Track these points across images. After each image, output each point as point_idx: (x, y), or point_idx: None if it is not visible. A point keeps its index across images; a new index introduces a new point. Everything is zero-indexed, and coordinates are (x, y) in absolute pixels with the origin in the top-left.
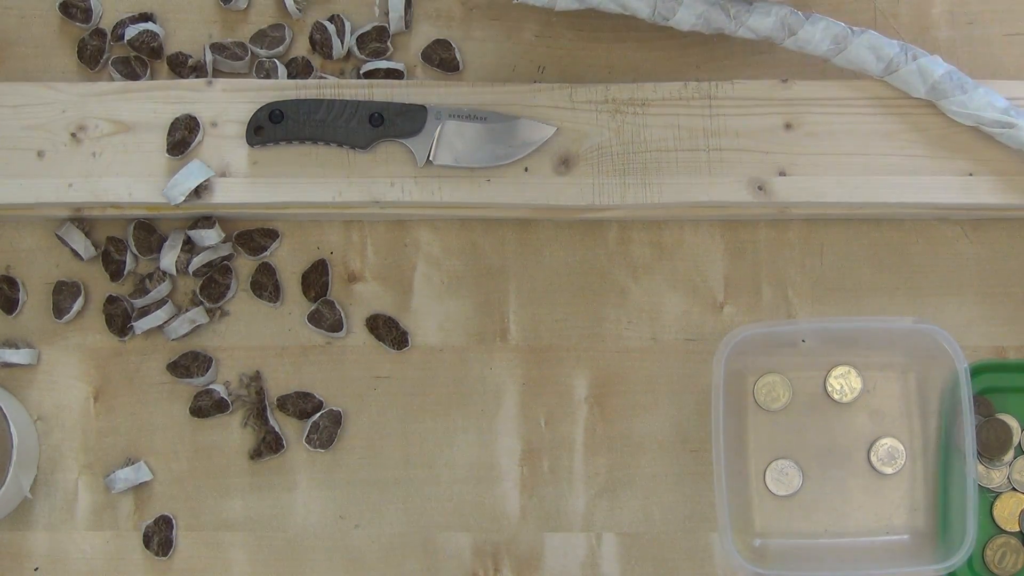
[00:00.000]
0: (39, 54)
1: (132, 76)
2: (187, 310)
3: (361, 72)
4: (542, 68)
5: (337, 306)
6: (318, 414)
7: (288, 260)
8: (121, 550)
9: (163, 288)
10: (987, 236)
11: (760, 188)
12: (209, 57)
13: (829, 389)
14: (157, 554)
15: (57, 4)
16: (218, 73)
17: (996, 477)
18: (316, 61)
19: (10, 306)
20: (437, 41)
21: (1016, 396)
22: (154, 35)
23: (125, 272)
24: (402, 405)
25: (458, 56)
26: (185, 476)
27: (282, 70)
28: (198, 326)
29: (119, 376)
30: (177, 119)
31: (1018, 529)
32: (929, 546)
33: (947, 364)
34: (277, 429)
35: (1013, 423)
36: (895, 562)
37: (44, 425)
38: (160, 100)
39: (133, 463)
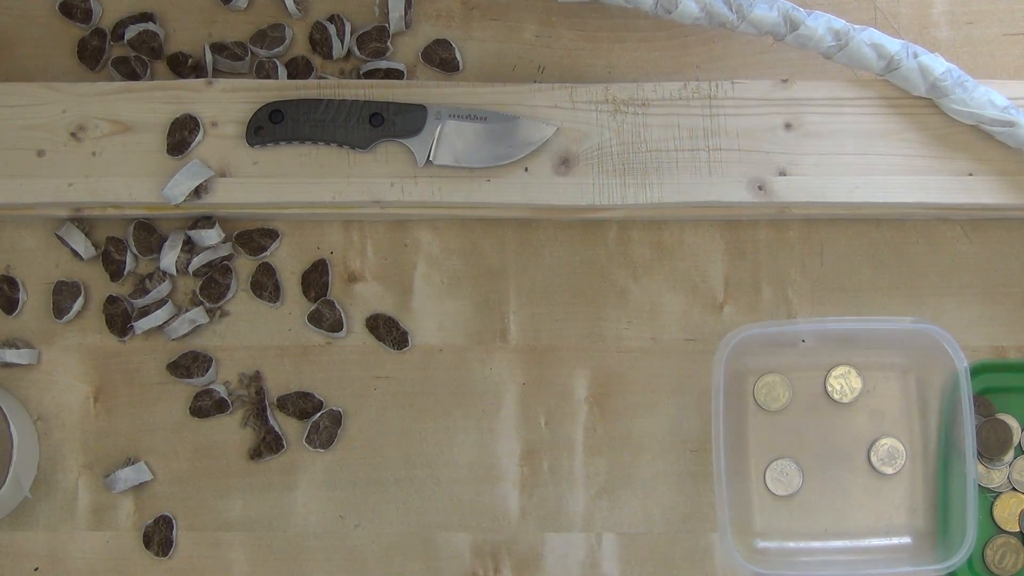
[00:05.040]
0: (39, 54)
1: (132, 76)
2: (187, 310)
3: (361, 72)
4: (542, 68)
5: (337, 306)
6: (318, 414)
7: (288, 260)
8: (121, 550)
9: (163, 288)
10: (987, 236)
11: (760, 188)
12: (209, 57)
13: (829, 389)
14: (157, 554)
15: (57, 4)
16: (218, 73)
17: (996, 477)
18: (316, 61)
19: (10, 306)
20: (437, 41)
21: (1016, 396)
22: (154, 35)
23: (125, 272)
24: (402, 405)
25: (458, 56)
26: (185, 476)
27: (282, 70)
28: (198, 326)
29: (119, 376)
30: (177, 119)
31: (1018, 529)
32: (929, 546)
33: (947, 364)
34: (277, 429)
35: (1013, 423)
36: (895, 562)
37: (44, 425)
38: (160, 100)
39: (133, 463)
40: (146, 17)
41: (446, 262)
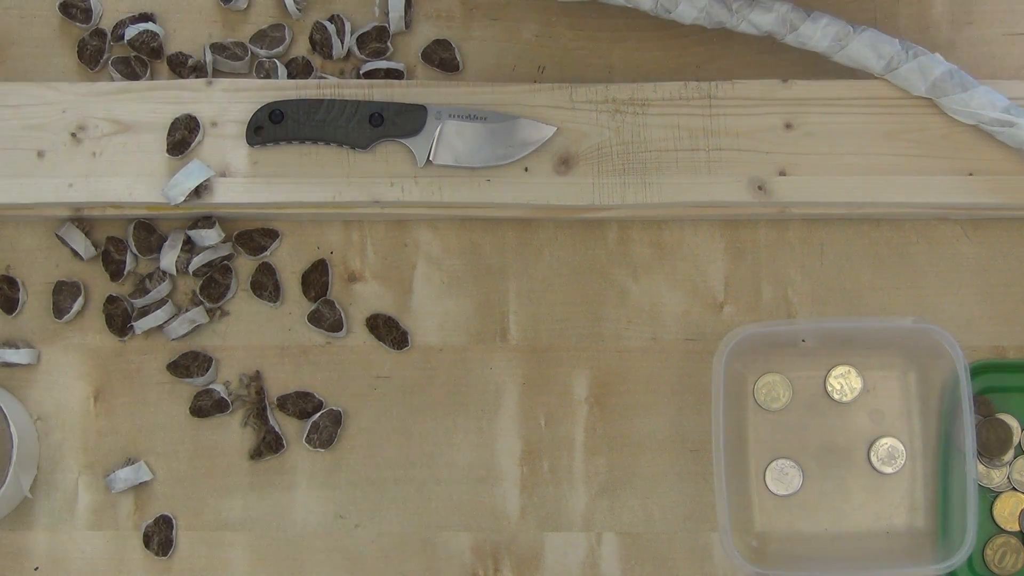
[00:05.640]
0: (39, 54)
1: (132, 76)
2: (187, 310)
3: (361, 72)
4: (542, 68)
5: (337, 306)
6: (318, 414)
7: (288, 260)
8: (121, 550)
9: (163, 288)
10: (987, 236)
11: (760, 188)
12: (209, 57)
13: (829, 389)
14: (157, 554)
15: (57, 4)
16: (218, 73)
17: (996, 477)
18: (316, 61)
19: (10, 306)
20: (437, 41)
21: (1016, 396)
22: (154, 35)
23: (125, 272)
24: (402, 405)
25: (458, 56)
26: (185, 476)
27: (282, 70)
28: (198, 326)
29: (119, 376)
30: (177, 119)
31: (1018, 529)
32: (929, 546)
33: (947, 364)
34: (277, 429)
35: (1013, 423)
36: (895, 562)
37: (44, 425)
38: (160, 100)
39: (133, 463)
40: (146, 17)
41: (446, 262)
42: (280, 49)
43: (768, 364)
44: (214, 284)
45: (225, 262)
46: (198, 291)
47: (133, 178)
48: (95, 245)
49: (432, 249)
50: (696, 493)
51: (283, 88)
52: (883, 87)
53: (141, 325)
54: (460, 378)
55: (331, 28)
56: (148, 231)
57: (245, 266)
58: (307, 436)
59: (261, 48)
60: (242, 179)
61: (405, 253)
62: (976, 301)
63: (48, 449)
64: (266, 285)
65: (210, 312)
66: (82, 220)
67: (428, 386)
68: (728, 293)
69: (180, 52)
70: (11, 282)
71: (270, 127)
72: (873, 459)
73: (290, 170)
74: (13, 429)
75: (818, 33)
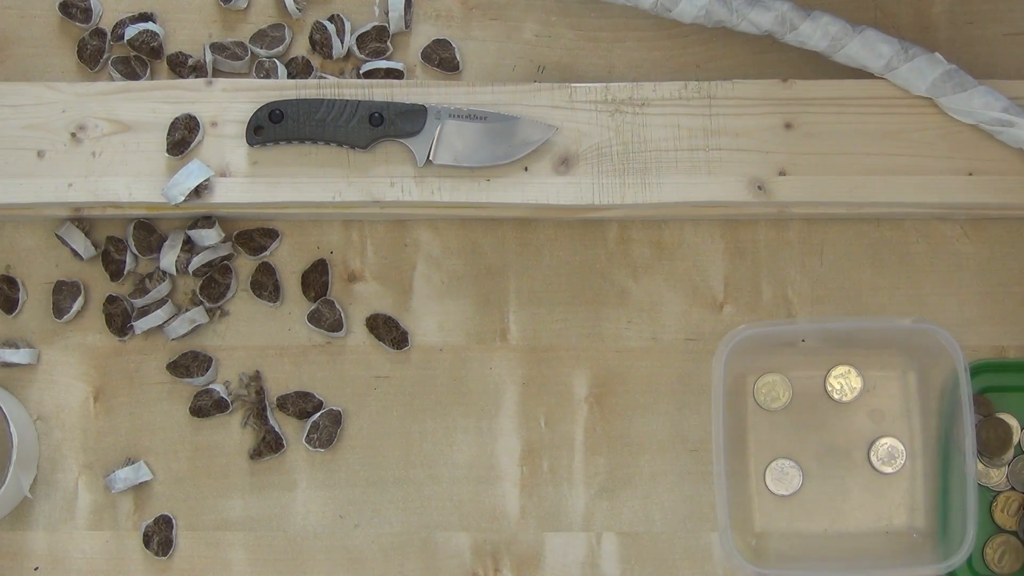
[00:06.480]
0: (39, 54)
1: (132, 76)
2: (187, 310)
3: (361, 72)
4: (542, 68)
5: (337, 306)
6: (318, 414)
7: (288, 260)
8: (121, 550)
9: (163, 288)
10: (987, 236)
11: (760, 188)
12: (209, 57)
13: (829, 389)
14: (157, 554)
15: (57, 4)
16: (218, 73)
17: (996, 476)
18: (316, 61)
19: (10, 306)
20: (437, 41)
21: (1016, 396)
22: (154, 35)
23: (125, 272)
24: (402, 405)
25: (458, 56)
26: (185, 476)
27: (282, 70)
28: (198, 326)
29: (119, 376)
30: (177, 119)
31: (1017, 528)
32: (929, 546)
33: (947, 364)
34: (277, 429)
35: (1013, 422)
36: (895, 561)
37: (44, 425)
38: (160, 100)
39: (133, 463)
40: (146, 17)
41: (446, 262)
42: (280, 49)
43: (768, 364)
44: (214, 284)
45: (225, 262)
46: (198, 291)
47: (133, 178)
48: (95, 245)
49: (432, 249)
50: (696, 493)
51: (283, 88)
52: (883, 87)
53: (141, 325)
54: (460, 378)
55: (331, 28)
56: (148, 231)
57: (245, 266)
58: (307, 436)
59: (261, 48)
60: (242, 179)
61: (405, 253)
62: (976, 301)
63: (48, 449)
64: (266, 285)
65: (210, 312)
66: (82, 220)
67: (428, 386)
68: (728, 293)
69: (180, 52)
70: (11, 282)
71: (270, 127)
72: (873, 459)
73: (290, 170)
74: (13, 429)
75: (818, 32)
